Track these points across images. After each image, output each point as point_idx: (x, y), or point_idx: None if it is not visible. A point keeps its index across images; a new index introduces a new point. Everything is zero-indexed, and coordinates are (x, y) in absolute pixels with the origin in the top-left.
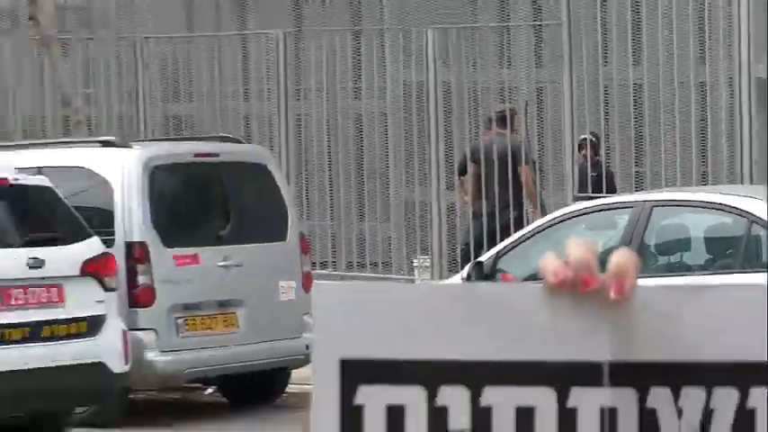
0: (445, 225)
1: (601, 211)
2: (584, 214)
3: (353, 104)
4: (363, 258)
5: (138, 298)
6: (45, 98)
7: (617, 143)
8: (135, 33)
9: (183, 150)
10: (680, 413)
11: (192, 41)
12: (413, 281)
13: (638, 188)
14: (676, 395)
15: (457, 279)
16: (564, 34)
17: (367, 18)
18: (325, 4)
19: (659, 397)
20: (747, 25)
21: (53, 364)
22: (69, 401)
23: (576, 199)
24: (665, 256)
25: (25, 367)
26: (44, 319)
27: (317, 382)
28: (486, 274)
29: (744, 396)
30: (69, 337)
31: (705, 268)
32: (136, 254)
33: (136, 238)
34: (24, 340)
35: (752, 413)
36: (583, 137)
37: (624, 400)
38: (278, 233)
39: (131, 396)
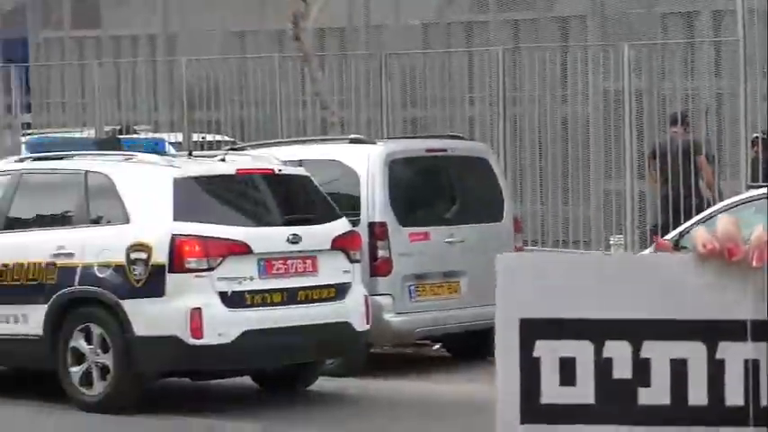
0: (637, 209)
1: None
2: (755, 200)
3: (561, 109)
4: (567, 237)
5: (378, 268)
6: (307, 104)
7: None
8: (381, 51)
9: (417, 146)
10: None
11: (428, 57)
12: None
13: None
14: None
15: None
16: (740, 49)
17: (573, 36)
18: (538, 25)
19: None
20: None
21: (308, 323)
22: (321, 354)
23: (749, 187)
24: None
25: (284, 325)
26: (300, 285)
27: (500, 338)
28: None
29: None
30: (321, 300)
31: None
32: (377, 232)
33: (377, 219)
34: (283, 303)
35: None
36: (755, 135)
37: (764, 353)
38: (495, 215)
39: (371, 350)
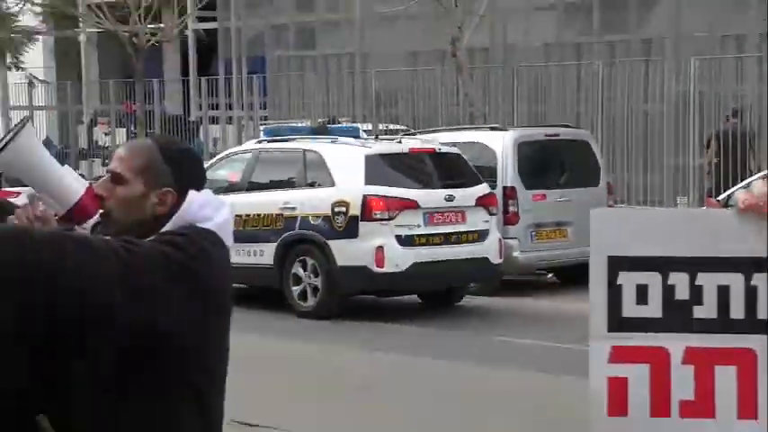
0: (696, 178)
1: None
2: None
3: (643, 106)
4: (646, 198)
5: (508, 219)
6: (459, 102)
7: None
8: (513, 64)
9: (538, 132)
10: None
11: (547, 68)
12: None
13: None
14: None
15: None
16: None
17: (654, 52)
18: (629, 45)
19: None
20: None
21: (458, 258)
22: (467, 280)
23: None
24: None
25: (441, 259)
26: (453, 231)
27: (593, 270)
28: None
29: None
30: (467, 242)
31: None
32: (508, 193)
33: (508, 184)
34: (441, 243)
35: None
36: None
37: None
38: (593, 182)
39: (503, 278)
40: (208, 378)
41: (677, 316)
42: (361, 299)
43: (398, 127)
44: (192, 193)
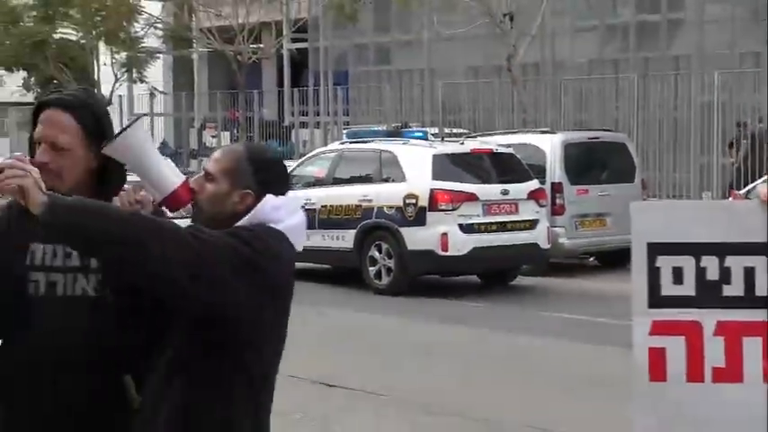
0: (720, 175)
1: None
2: None
3: (672, 113)
4: (676, 192)
5: (556, 210)
6: (514, 110)
7: None
8: (561, 77)
9: (582, 135)
10: None
11: (590, 81)
12: None
13: None
14: None
15: None
16: None
17: (682, 66)
18: (661, 60)
19: None
20: None
21: (512, 243)
22: (519, 262)
23: None
24: None
25: (498, 244)
26: (508, 220)
27: (634, 255)
28: None
29: None
30: (520, 230)
31: None
32: (556, 188)
33: (556, 180)
34: (497, 231)
35: None
36: None
37: None
38: (629, 178)
39: (550, 261)
40: (262, 366)
41: (709, 294)
42: (427, 278)
43: (461, 131)
44: (268, 196)
